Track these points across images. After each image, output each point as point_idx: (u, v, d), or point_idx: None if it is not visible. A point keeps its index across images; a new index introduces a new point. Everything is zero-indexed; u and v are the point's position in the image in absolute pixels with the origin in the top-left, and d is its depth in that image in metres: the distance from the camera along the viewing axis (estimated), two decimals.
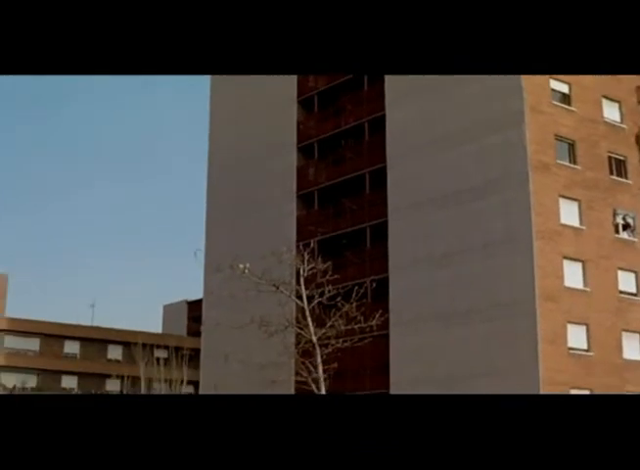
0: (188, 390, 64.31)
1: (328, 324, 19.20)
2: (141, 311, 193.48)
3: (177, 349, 63.09)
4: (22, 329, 79.22)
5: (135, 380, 63.07)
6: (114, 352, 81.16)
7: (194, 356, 65.23)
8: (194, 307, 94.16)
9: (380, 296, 51.10)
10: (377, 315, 21.73)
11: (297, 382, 20.07)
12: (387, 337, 52.14)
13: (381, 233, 55.23)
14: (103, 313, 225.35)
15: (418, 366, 51.39)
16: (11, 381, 78.10)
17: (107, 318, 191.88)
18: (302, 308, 19.77)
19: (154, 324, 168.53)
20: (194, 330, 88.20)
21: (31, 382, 78.91)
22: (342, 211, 58.87)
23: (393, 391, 52.46)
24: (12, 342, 79.16)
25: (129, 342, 69.84)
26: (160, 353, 65.51)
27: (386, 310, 43.23)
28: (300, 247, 21.67)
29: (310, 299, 20.14)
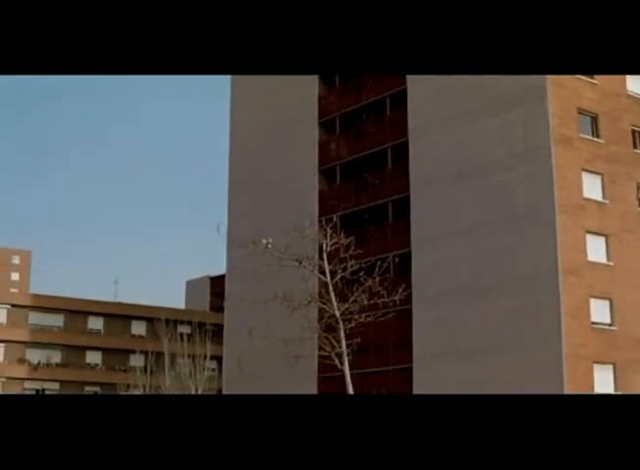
0: (211, 365, 64.55)
1: (351, 299, 19.18)
2: (164, 287, 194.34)
3: (200, 324, 63.29)
4: (47, 305, 79.74)
5: (159, 355, 63.32)
6: (138, 328, 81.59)
7: (217, 332, 65.52)
8: (216, 283, 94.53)
9: (402, 270, 51.10)
10: (400, 290, 21.68)
11: (320, 357, 20.08)
12: (409, 311, 52.19)
13: (403, 208, 55.15)
14: (126, 289, 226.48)
15: (441, 340, 51.45)
16: (36, 356, 78.69)
17: (130, 294, 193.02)
18: (325, 283, 19.75)
19: (176, 300, 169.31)
20: (217, 305, 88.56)
21: (56, 357, 79.46)
22: (364, 185, 58.81)
23: (416, 365, 52.58)
24: (36, 318, 79.70)
25: (152, 317, 70.15)
26: (184, 329, 65.77)
27: (408, 285, 43.25)
28: (323, 222, 21.57)
29: (333, 274, 20.13)
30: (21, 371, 77.75)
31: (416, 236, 53.84)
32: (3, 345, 77.46)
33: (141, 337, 78.34)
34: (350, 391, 19.46)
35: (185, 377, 59.22)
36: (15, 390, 77.19)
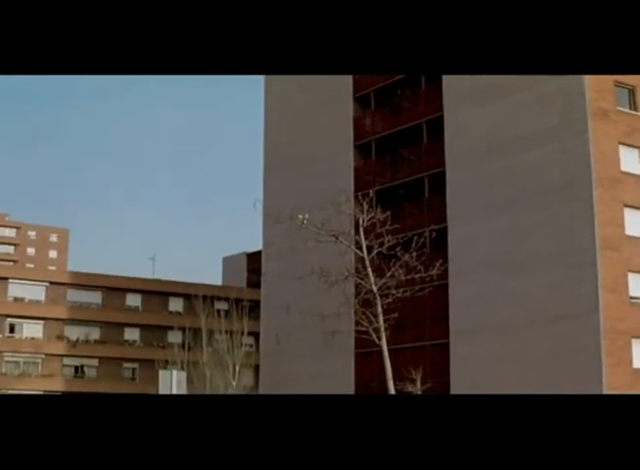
0: (248, 341, 64.85)
1: (388, 274, 19.12)
2: (200, 264, 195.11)
3: (237, 300, 63.50)
4: (85, 283, 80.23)
5: (196, 332, 63.67)
6: (176, 305, 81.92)
7: (254, 308, 65.70)
8: (253, 259, 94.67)
9: (439, 246, 51.06)
10: (437, 265, 21.59)
11: (357, 332, 20.06)
12: (445, 287, 52.15)
13: (439, 183, 55.01)
14: (163, 266, 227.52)
15: (477, 315, 51.41)
16: (74, 333, 79.31)
17: (167, 271, 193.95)
18: (362, 258, 19.72)
19: (213, 276, 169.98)
20: (253, 282, 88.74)
21: (94, 334, 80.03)
22: (400, 160, 58.68)
23: (453, 340, 52.60)
24: (75, 295, 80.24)
25: (190, 294, 70.40)
26: (221, 305, 66.08)
27: (445, 260, 43.22)
28: (359, 196, 21.52)
29: (370, 249, 20.09)
30: (59, 348, 78.37)
31: (452, 211, 53.70)
32: (42, 322, 78.07)
33: (178, 313, 78.60)
34: (388, 366, 19.45)
35: (223, 353, 59.57)
36: (54, 366, 77.92)
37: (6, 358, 75.79)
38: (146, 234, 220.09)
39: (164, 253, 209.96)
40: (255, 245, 79.89)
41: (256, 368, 65.82)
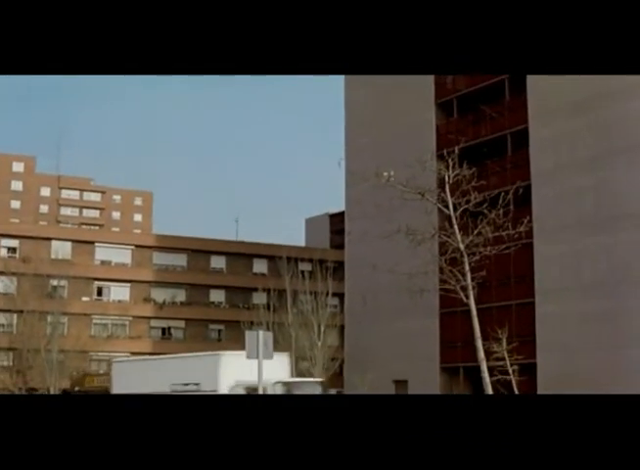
0: (333, 301, 65.04)
1: (475, 231, 18.87)
2: (283, 226, 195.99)
3: (321, 261, 63.71)
4: (170, 245, 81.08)
5: (281, 293, 64.04)
6: (260, 266, 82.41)
7: (337, 269, 65.80)
8: (335, 220, 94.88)
9: (522, 204, 50.56)
10: (525, 221, 21.26)
11: (444, 291, 19.85)
12: (530, 245, 51.63)
13: (522, 140, 54.37)
14: (247, 228, 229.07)
15: (563, 274, 50.97)
16: (161, 296, 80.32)
17: (251, 233, 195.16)
18: (448, 216, 19.49)
19: (296, 238, 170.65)
20: (336, 243, 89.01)
21: (180, 296, 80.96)
22: (482, 118, 58.11)
23: (538, 300, 52.19)
24: (160, 258, 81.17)
25: (274, 255, 70.76)
26: (305, 266, 66.35)
27: (529, 219, 42.80)
28: (445, 153, 21.25)
29: (456, 206, 19.83)
30: (146, 310, 79.45)
31: (536, 169, 53.07)
32: (128, 285, 79.17)
33: (263, 275, 79.09)
34: (476, 325, 19.27)
35: (307, 313, 59.87)
36: (141, 328, 79.07)
37: (94, 321, 77.05)
38: (229, 196, 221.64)
39: (248, 214, 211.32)
40: (338, 206, 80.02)
41: (341, 328, 66.06)
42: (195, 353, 42.46)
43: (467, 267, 18.53)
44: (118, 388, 41.23)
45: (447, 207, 18.56)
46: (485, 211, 19.45)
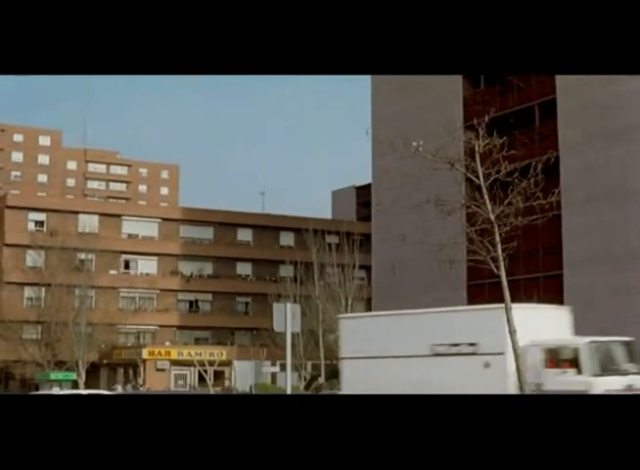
0: (360, 274, 64.98)
1: (506, 201, 18.57)
2: (309, 198, 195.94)
3: (348, 234, 63.59)
4: (196, 218, 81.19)
5: (308, 265, 64.04)
6: (286, 239, 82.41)
7: (364, 241, 65.62)
8: (362, 193, 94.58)
9: (551, 175, 50.10)
10: (556, 191, 20.90)
11: (473, 261, 19.49)
12: (558, 217, 51.27)
13: (549, 111, 53.93)
14: (273, 201, 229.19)
15: (591, 246, 50.67)
16: (188, 269, 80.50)
17: (277, 205, 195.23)
18: (478, 186, 19.17)
19: (322, 211, 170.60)
20: (362, 215, 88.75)
21: (207, 269, 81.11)
22: (509, 88, 57.63)
23: (567, 272, 51.95)
24: (187, 231, 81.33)
25: (300, 228, 70.70)
26: (331, 239, 66.28)
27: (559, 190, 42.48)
28: (475, 122, 20.90)
29: (486, 176, 19.48)
30: (174, 283, 79.69)
31: (564, 140, 52.63)
32: (156, 258, 79.39)
33: (289, 247, 79.10)
34: (507, 296, 19.01)
35: (334, 286, 59.84)
36: (169, 301, 79.33)
37: (122, 294, 77.36)
38: (255, 168, 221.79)
39: (274, 187, 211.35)
40: (364, 179, 79.74)
41: (368, 301, 65.95)
42: (465, 307, 38.56)
43: (497, 238, 18.20)
44: (350, 350, 34.58)
45: (477, 176, 18.20)
46: (516, 179, 19.04)
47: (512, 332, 18.86)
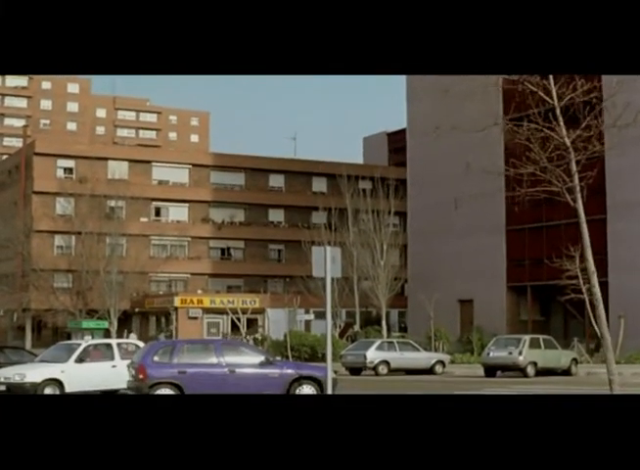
0: (394, 221, 63.64)
1: (583, 124, 16.67)
2: (341, 144, 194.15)
3: (382, 179, 62.11)
4: (227, 164, 79.90)
5: (341, 212, 62.76)
6: (319, 185, 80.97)
7: (398, 187, 64.10)
8: (394, 139, 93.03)
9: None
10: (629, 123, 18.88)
11: (547, 193, 17.47)
12: (602, 160, 49.71)
13: None
14: (304, 146, 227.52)
15: (635, 189, 49.63)
16: (219, 216, 79.41)
17: (308, 151, 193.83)
18: (548, 110, 17.12)
19: (354, 157, 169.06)
20: (394, 161, 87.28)
21: (239, 216, 80.00)
22: None
23: (611, 216, 50.76)
24: (218, 177, 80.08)
25: (333, 174, 69.29)
26: (365, 185, 64.83)
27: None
28: None
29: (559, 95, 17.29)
30: (205, 230, 78.68)
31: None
32: (187, 205, 78.32)
33: (322, 193, 77.46)
34: (585, 232, 17.28)
35: (369, 232, 58.53)
36: (200, 249, 78.37)
37: (153, 242, 76.44)
38: (286, 114, 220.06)
39: (304, 133, 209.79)
40: (397, 124, 78.19)
41: (402, 248, 64.65)
42: None
43: (574, 167, 16.50)
44: None
45: (550, 95, 16.10)
46: (595, 99, 17.10)
47: None
